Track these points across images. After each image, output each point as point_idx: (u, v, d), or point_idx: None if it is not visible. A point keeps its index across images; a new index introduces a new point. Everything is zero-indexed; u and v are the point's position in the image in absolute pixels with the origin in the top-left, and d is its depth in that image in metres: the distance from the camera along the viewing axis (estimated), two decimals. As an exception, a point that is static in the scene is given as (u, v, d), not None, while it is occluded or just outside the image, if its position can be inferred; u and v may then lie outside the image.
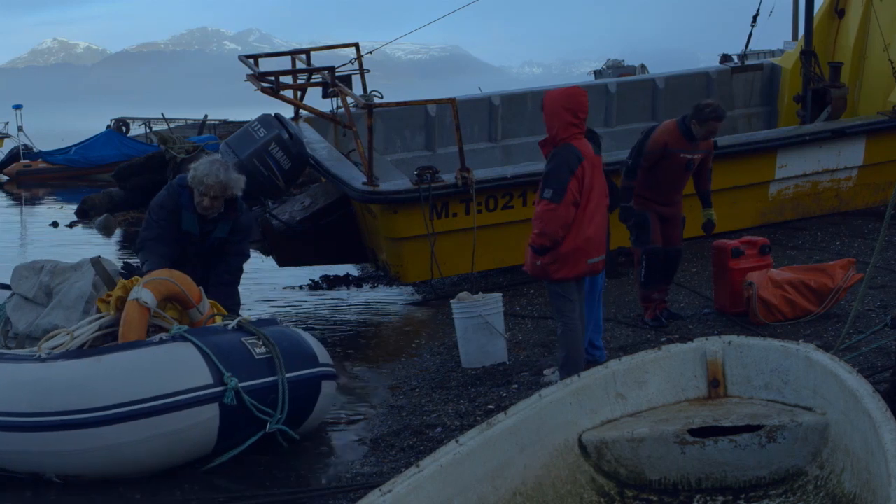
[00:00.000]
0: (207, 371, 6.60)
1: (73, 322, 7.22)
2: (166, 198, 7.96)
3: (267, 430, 6.80)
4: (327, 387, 7.38)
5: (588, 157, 7.38)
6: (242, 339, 6.99)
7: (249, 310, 12.14)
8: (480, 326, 8.55)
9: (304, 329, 10.96)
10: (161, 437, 6.45)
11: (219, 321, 7.31)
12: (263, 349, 6.95)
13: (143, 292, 6.95)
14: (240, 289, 8.37)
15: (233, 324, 7.14)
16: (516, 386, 8.01)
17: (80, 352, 6.75)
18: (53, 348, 6.83)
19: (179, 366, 6.62)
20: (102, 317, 7.08)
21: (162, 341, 6.75)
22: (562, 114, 7.39)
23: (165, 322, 7.05)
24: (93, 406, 6.36)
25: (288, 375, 6.92)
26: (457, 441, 4.82)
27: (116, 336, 6.89)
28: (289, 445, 6.97)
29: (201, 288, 7.47)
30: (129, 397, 6.38)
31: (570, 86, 8.35)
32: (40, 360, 6.69)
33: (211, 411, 6.57)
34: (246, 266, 8.51)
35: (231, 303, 7.96)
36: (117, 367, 6.55)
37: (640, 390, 5.32)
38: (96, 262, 7.66)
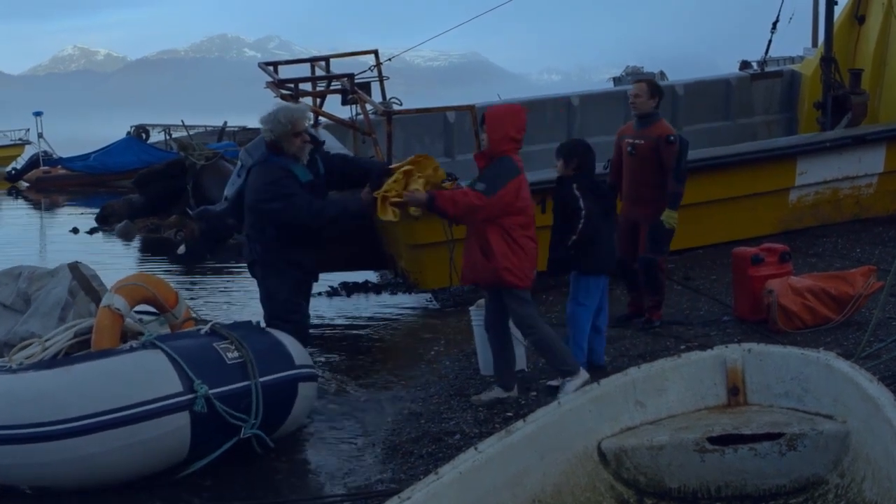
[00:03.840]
0: (177, 379, 6.52)
1: (50, 329, 7.17)
2: (273, 169, 7.82)
3: (241, 436, 6.74)
4: (305, 389, 7.31)
5: (522, 172, 7.63)
6: (214, 343, 6.92)
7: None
8: (499, 333, 8.52)
9: (322, 336, 11.03)
10: (132, 446, 6.38)
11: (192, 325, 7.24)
12: (236, 353, 6.88)
13: (116, 298, 6.89)
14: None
15: (205, 328, 7.07)
16: (535, 393, 8.00)
17: (52, 361, 6.69)
18: (27, 358, 6.77)
19: (149, 374, 6.54)
20: (78, 324, 7.03)
21: (132, 349, 6.69)
22: (507, 129, 7.53)
23: (139, 328, 7.00)
24: (63, 417, 6.29)
25: (262, 379, 6.86)
26: (476, 448, 4.81)
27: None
28: (264, 451, 6.93)
29: (178, 292, 7.43)
30: (99, 408, 6.32)
31: (513, 103, 8.55)
32: (11, 371, 6.64)
33: (181, 419, 6.50)
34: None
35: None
36: (86, 378, 6.47)
37: (660, 398, 5.31)
38: (74, 268, 7.64)
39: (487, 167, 7.56)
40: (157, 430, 6.42)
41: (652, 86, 9.34)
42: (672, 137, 9.12)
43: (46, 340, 6.92)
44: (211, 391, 6.56)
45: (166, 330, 7.43)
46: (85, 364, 6.57)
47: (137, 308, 7.58)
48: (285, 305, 8.00)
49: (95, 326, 6.86)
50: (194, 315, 7.65)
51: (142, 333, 6.96)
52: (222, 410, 6.61)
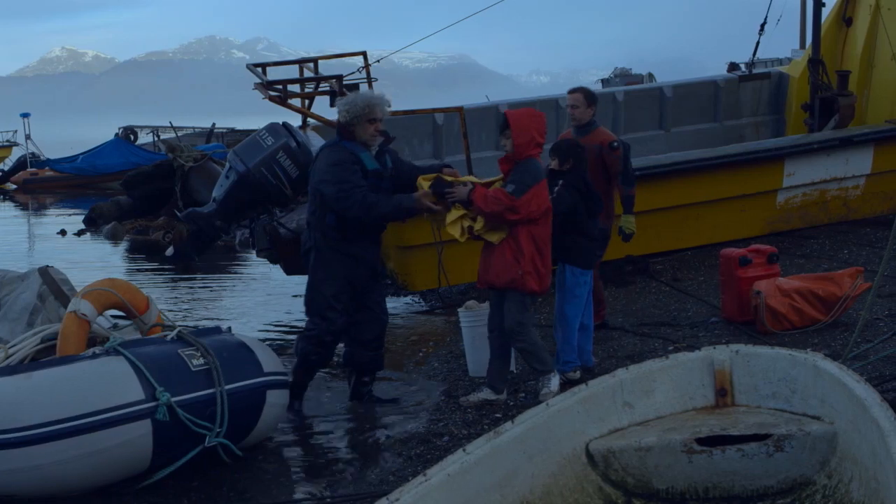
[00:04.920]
0: (139, 386, 6.38)
1: (18, 335, 7.03)
2: (340, 152, 7.74)
3: (206, 444, 6.62)
4: (274, 396, 7.18)
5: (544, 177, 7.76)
6: (180, 350, 6.77)
7: (247, 318, 12.17)
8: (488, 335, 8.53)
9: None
10: (92, 455, 6.25)
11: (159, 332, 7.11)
12: (201, 360, 6.75)
13: (83, 304, 6.78)
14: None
15: (171, 335, 6.93)
16: (523, 394, 8.01)
17: (13, 368, 6.55)
18: None
19: (110, 381, 6.40)
20: (45, 329, 6.92)
21: (95, 356, 6.53)
22: (532, 133, 7.62)
23: (105, 333, 6.88)
24: (21, 425, 6.16)
25: (228, 387, 6.72)
26: (464, 450, 4.81)
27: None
28: (231, 461, 6.81)
29: (149, 297, 7.33)
30: (59, 415, 6.18)
31: (530, 108, 8.53)
32: None
33: (143, 428, 6.36)
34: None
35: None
36: (46, 384, 6.33)
37: (648, 399, 5.32)
38: (44, 272, 7.54)
39: (515, 169, 7.60)
40: (117, 439, 6.27)
41: (588, 95, 9.26)
42: (615, 143, 9.20)
43: (11, 346, 6.78)
44: (174, 399, 6.42)
45: (138, 335, 7.30)
46: (46, 371, 6.42)
47: (114, 313, 7.52)
48: (327, 301, 7.85)
49: (61, 332, 6.73)
50: (169, 321, 7.51)
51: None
52: (185, 418, 6.47)
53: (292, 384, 7.84)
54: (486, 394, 7.86)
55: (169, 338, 6.91)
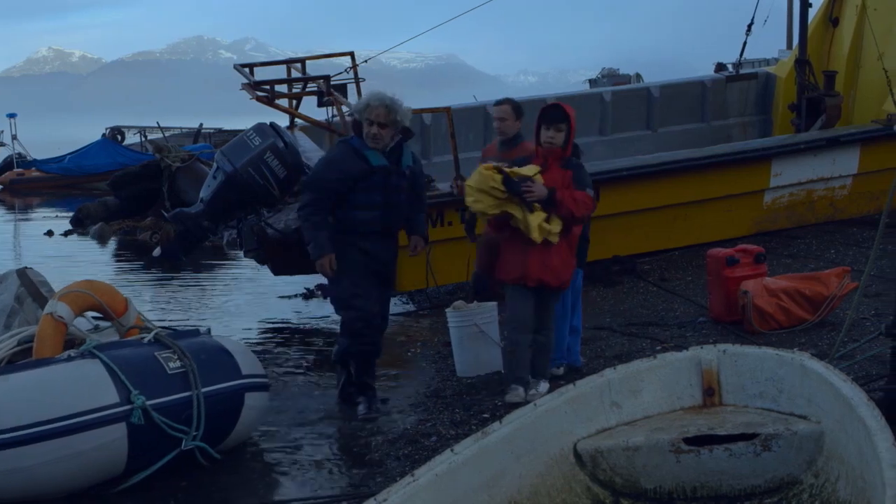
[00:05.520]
0: (114, 389, 6.32)
1: None
2: (342, 148, 7.85)
3: (182, 447, 6.56)
4: (253, 399, 7.13)
5: None
6: (156, 353, 6.72)
7: (241, 319, 12.14)
8: (475, 335, 8.53)
9: (298, 338, 11.02)
10: (66, 458, 6.18)
11: (136, 333, 7.03)
12: (178, 363, 6.69)
13: (59, 306, 6.70)
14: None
15: (148, 337, 6.87)
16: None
17: None
18: None
19: (85, 384, 6.33)
20: (22, 331, 6.85)
21: (70, 358, 6.47)
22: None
23: (82, 336, 6.82)
24: None
25: (205, 389, 6.67)
26: (452, 450, 4.81)
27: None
28: (210, 464, 6.76)
29: (128, 298, 7.28)
30: (33, 419, 6.12)
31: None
32: None
33: (118, 431, 6.29)
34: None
35: (425, 224, 8.31)
36: (21, 387, 6.27)
37: (635, 399, 5.32)
38: (22, 274, 7.48)
39: (573, 169, 7.58)
40: (92, 442, 6.20)
41: (516, 107, 8.98)
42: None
43: None
44: (150, 402, 6.36)
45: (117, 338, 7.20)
46: (20, 374, 6.35)
47: (95, 315, 7.47)
48: (348, 290, 7.78)
49: (37, 335, 6.66)
50: (149, 323, 7.44)
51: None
52: (161, 422, 6.41)
53: (357, 384, 8.03)
54: (543, 386, 7.74)
55: (146, 340, 6.85)
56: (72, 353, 6.53)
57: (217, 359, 7.03)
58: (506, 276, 7.70)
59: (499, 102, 9.16)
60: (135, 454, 6.40)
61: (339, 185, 7.64)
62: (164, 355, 6.73)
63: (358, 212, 7.67)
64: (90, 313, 7.32)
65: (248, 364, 7.27)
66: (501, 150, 8.76)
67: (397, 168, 7.77)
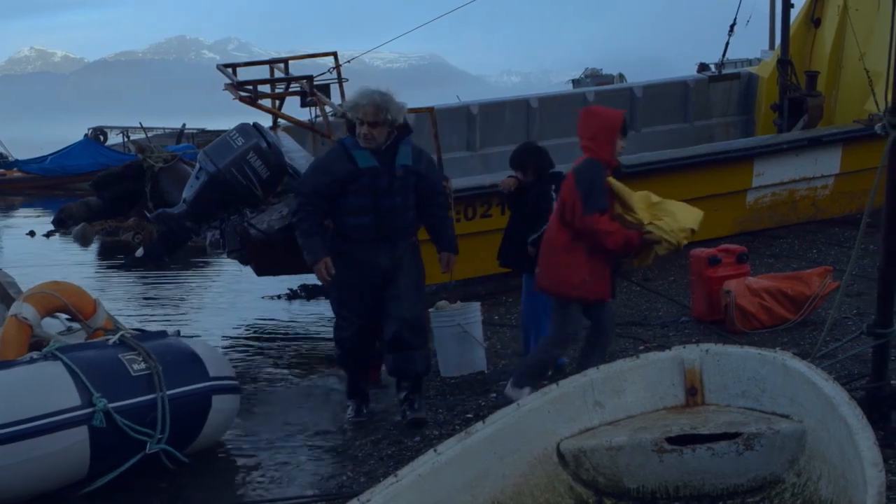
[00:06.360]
0: (75, 392, 6.25)
1: None
2: (334, 148, 7.59)
3: (147, 451, 6.50)
4: (221, 401, 7.07)
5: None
6: (120, 355, 6.65)
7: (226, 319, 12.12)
8: (459, 335, 8.54)
9: (282, 339, 11.00)
10: (28, 462, 6.11)
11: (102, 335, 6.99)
12: (143, 365, 6.62)
13: (24, 307, 6.68)
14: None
15: (114, 339, 6.81)
16: (495, 395, 8.01)
17: None
18: None
19: (46, 387, 6.26)
20: None
21: (32, 360, 6.41)
22: None
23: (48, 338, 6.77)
24: None
25: (170, 392, 6.61)
26: (435, 450, 4.81)
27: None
28: (176, 467, 6.70)
29: (97, 299, 7.22)
30: None
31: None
32: None
33: (80, 434, 6.22)
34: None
35: (452, 233, 7.80)
36: None
37: (618, 399, 5.33)
38: None
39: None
40: (53, 446, 6.13)
41: None
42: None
43: None
44: (112, 405, 6.29)
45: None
46: None
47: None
48: (335, 302, 7.64)
49: (1, 337, 6.62)
50: (120, 325, 7.37)
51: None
52: (124, 425, 6.35)
53: (347, 388, 7.98)
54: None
55: (111, 342, 6.79)
56: (34, 355, 6.46)
57: (183, 361, 6.96)
58: (593, 293, 7.36)
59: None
60: (97, 457, 6.33)
61: (326, 189, 7.31)
62: (129, 357, 6.66)
63: (350, 217, 7.33)
64: (66, 315, 7.28)
65: (217, 366, 7.19)
66: None
67: (389, 169, 7.34)
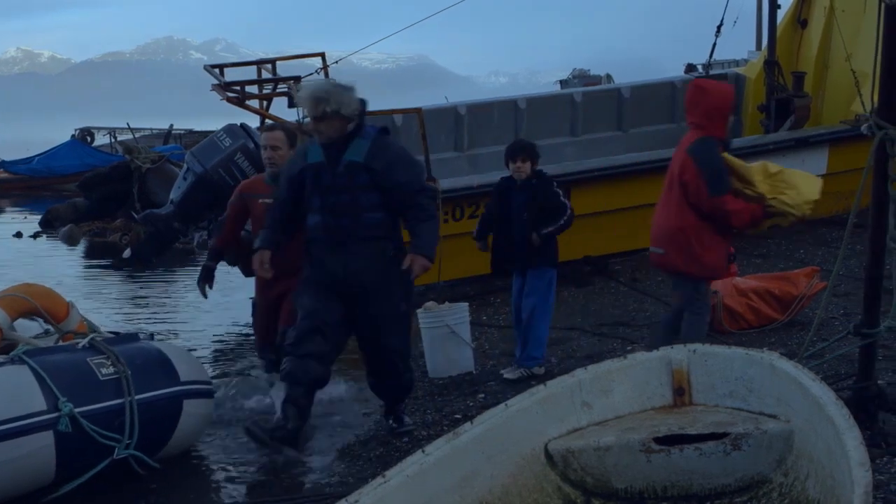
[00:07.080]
0: (41, 396, 6.13)
1: None
2: (299, 147, 7.38)
3: (115, 456, 6.39)
4: (193, 406, 6.96)
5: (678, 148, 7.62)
6: (89, 359, 6.54)
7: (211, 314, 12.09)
8: (447, 336, 8.54)
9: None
10: None
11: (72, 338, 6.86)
12: (111, 369, 6.52)
13: None
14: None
15: (83, 342, 6.70)
16: (483, 395, 8.01)
17: None
18: None
19: (11, 391, 6.13)
20: None
21: None
22: None
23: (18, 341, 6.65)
24: None
25: (139, 396, 6.51)
26: (423, 451, 4.80)
27: None
28: (146, 472, 6.60)
29: (71, 302, 7.13)
30: None
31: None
32: None
33: (45, 439, 6.11)
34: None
35: (429, 237, 7.06)
36: None
37: (606, 399, 5.33)
38: None
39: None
40: (17, 451, 6.00)
41: (291, 136, 8.12)
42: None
43: None
44: (79, 409, 6.18)
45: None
46: None
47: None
48: (297, 310, 7.13)
49: None
50: (95, 327, 7.26)
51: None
52: (90, 430, 6.24)
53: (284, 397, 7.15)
54: None
55: (80, 345, 6.69)
56: (0, 358, 6.36)
57: (154, 364, 6.86)
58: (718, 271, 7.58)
59: (270, 128, 8.35)
60: (64, 462, 6.22)
61: (286, 186, 7.08)
62: (97, 361, 6.55)
63: (308, 215, 7.00)
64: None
65: (189, 370, 7.10)
66: (274, 183, 7.77)
67: (333, 166, 6.88)
